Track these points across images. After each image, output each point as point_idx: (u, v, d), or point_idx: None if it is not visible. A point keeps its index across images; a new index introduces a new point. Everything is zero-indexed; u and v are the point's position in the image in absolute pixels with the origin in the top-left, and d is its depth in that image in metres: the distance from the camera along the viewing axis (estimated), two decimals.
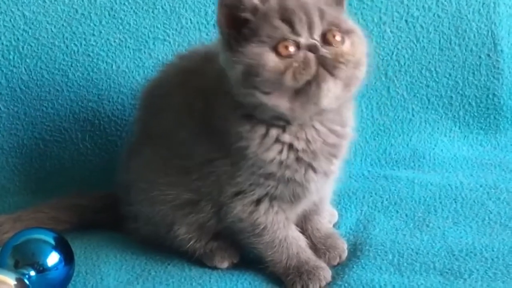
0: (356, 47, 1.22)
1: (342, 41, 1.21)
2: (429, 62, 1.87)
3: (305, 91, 1.18)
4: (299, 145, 1.27)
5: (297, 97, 1.19)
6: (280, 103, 1.19)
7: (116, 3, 1.76)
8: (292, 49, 1.18)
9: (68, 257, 1.34)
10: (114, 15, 1.76)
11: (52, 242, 1.33)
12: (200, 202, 1.35)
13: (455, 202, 1.60)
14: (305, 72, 1.17)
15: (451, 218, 1.53)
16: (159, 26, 1.78)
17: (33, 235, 1.33)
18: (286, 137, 1.26)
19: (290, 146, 1.27)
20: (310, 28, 1.19)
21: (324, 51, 1.18)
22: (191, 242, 1.40)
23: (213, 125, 1.28)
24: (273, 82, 1.17)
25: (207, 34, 1.75)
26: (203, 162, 1.31)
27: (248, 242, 1.35)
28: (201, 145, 1.30)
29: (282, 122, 1.25)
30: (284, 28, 1.19)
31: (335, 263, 1.39)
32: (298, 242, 1.35)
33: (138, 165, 1.43)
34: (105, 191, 1.61)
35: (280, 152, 1.26)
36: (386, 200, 1.63)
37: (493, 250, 1.38)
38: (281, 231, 1.34)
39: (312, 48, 1.18)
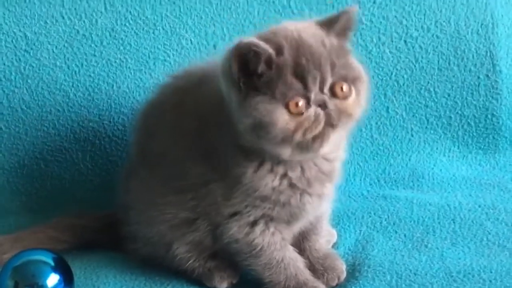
0: (360, 97, 1.23)
1: (349, 93, 1.21)
2: (428, 82, 1.88)
3: (307, 143, 1.20)
4: (293, 174, 1.28)
5: (298, 147, 1.20)
6: (283, 152, 1.21)
7: (117, 24, 1.77)
8: (301, 103, 1.17)
9: (67, 278, 1.34)
10: (115, 36, 1.77)
11: (52, 263, 1.33)
12: (196, 221, 1.35)
13: (454, 222, 1.60)
14: (314, 130, 1.18)
15: (450, 238, 1.53)
16: (159, 46, 1.78)
17: (33, 256, 1.34)
18: (280, 169, 1.27)
19: (284, 175, 1.28)
20: (322, 83, 1.18)
21: (331, 107, 1.18)
22: (190, 261, 1.40)
23: (207, 146, 1.29)
24: (282, 139, 1.18)
25: (207, 55, 1.75)
26: (199, 183, 1.31)
27: (246, 264, 1.35)
28: (196, 166, 1.31)
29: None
30: (297, 86, 1.17)
31: (334, 284, 1.39)
32: (296, 263, 1.35)
33: (136, 186, 1.43)
34: (105, 211, 1.61)
35: (274, 180, 1.27)
36: (385, 220, 1.63)
37: (491, 272, 1.38)
38: (278, 252, 1.34)
39: (321, 104, 1.18)
